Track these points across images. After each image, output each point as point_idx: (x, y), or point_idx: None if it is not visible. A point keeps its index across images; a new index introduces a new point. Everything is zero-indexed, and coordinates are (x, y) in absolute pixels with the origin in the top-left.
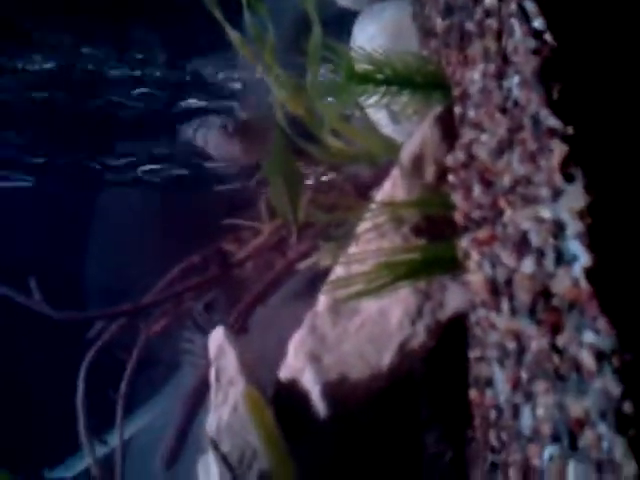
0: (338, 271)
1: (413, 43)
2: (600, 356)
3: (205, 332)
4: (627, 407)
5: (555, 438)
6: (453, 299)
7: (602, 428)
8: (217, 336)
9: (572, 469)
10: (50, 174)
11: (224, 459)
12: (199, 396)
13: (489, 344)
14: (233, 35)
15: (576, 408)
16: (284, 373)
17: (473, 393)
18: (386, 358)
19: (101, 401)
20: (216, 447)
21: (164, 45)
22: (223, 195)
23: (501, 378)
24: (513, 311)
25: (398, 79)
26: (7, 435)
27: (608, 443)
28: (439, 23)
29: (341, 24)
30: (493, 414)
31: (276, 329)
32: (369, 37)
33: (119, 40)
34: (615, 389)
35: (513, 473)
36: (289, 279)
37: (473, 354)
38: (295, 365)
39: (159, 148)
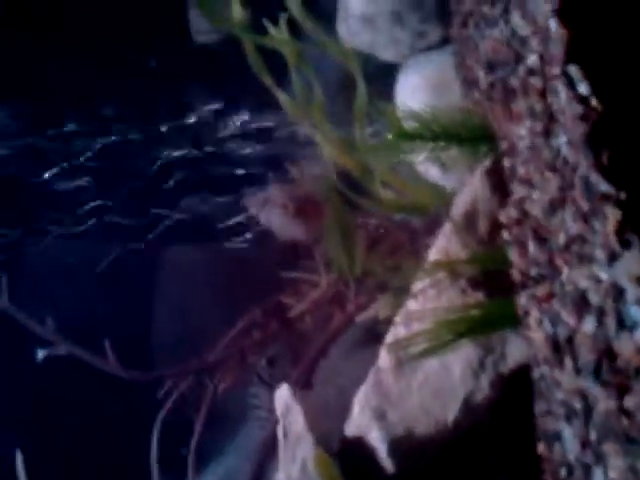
0: (398, 329)
1: (456, 94)
2: None
3: (270, 386)
4: None
5: None
6: (514, 351)
7: None
8: (283, 393)
9: None
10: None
11: None
12: (267, 453)
13: (555, 400)
14: (281, 96)
15: None
16: (350, 429)
17: (541, 447)
18: (451, 413)
19: (173, 459)
20: None
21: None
22: (281, 250)
23: (570, 436)
24: (577, 370)
25: (444, 134)
26: None
27: None
28: (482, 77)
29: (384, 77)
30: (563, 472)
31: (339, 382)
32: (412, 90)
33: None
34: None
35: None
36: (349, 331)
37: (539, 408)
38: (361, 422)
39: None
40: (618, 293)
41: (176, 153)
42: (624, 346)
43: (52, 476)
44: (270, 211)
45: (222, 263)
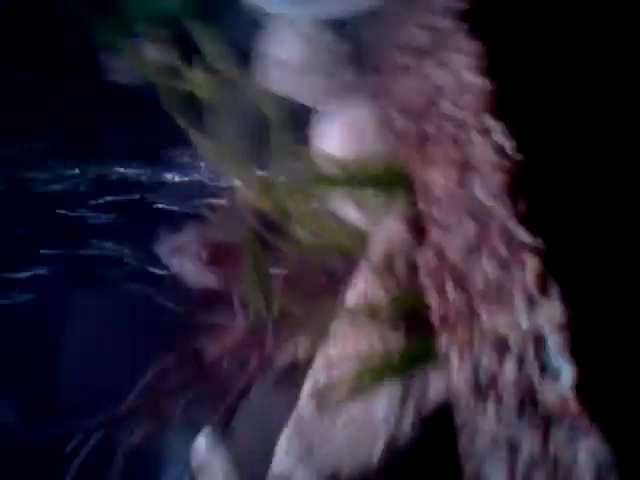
0: (319, 374)
1: (372, 138)
2: (598, 470)
3: (189, 438)
4: None
5: None
6: (436, 390)
7: None
8: (202, 441)
9: None
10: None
11: None
12: None
13: (480, 445)
14: (197, 138)
15: None
16: (275, 471)
17: None
18: (376, 452)
19: None
20: None
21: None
22: (198, 295)
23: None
24: (500, 416)
25: (362, 179)
26: None
27: None
28: (399, 123)
29: (302, 120)
30: None
31: (261, 425)
32: (329, 133)
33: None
34: None
35: None
36: (268, 373)
37: (463, 451)
38: (286, 464)
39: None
40: (539, 340)
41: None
42: (548, 394)
43: None
44: (182, 259)
45: (132, 310)
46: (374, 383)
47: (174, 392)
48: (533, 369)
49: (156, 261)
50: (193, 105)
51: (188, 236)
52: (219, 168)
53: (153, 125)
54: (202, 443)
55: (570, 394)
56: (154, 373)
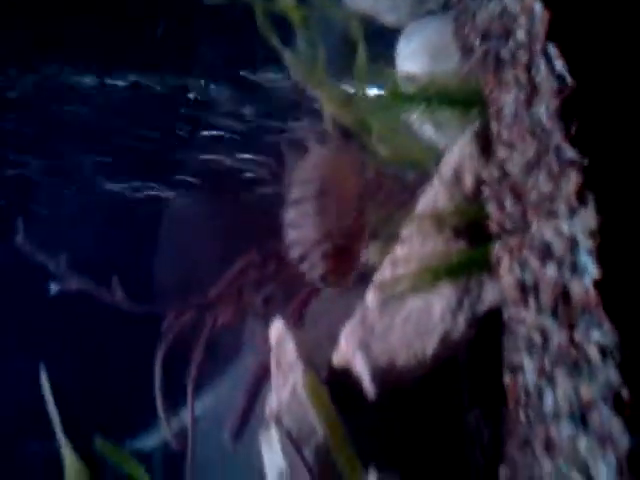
0: (385, 272)
1: (453, 60)
2: (604, 352)
3: (265, 323)
4: (624, 393)
5: (571, 417)
6: (489, 294)
7: (604, 410)
8: (277, 326)
9: (582, 443)
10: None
11: (288, 433)
12: (261, 379)
13: (519, 336)
14: (287, 55)
15: (586, 392)
16: (337, 359)
17: (507, 378)
18: (430, 348)
19: (173, 388)
20: (279, 422)
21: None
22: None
23: (529, 366)
24: (539, 309)
25: (439, 98)
26: (98, 413)
27: (608, 421)
28: (477, 45)
29: (385, 40)
30: (522, 396)
31: (329, 320)
32: (412, 53)
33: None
34: (615, 378)
35: (538, 445)
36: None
37: (507, 344)
38: (347, 352)
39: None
40: (574, 244)
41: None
42: (575, 289)
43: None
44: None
45: (233, 208)
46: (434, 282)
47: (256, 286)
48: (567, 270)
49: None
50: (284, 25)
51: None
52: (306, 85)
53: (246, 43)
54: (275, 329)
55: (592, 289)
56: (240, 267)
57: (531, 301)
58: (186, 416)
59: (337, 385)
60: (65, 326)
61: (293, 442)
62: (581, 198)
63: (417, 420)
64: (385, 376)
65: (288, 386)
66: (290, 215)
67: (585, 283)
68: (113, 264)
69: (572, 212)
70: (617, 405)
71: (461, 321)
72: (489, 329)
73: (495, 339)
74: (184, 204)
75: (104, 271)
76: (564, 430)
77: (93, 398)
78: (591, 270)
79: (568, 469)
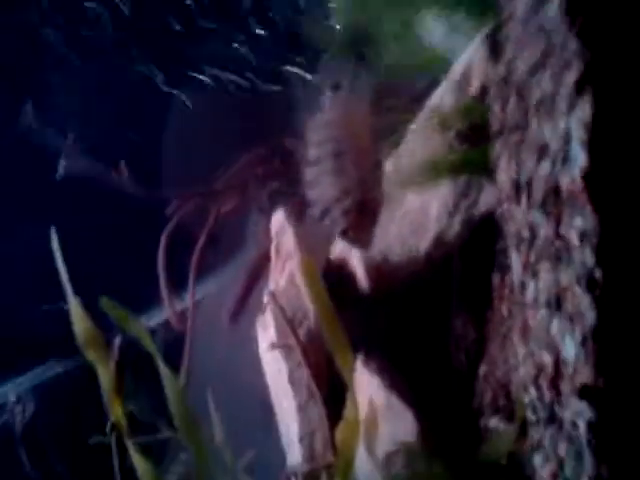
0: (389, 166)
1: None
2: (583, 235)
3: (268, 217)
4: (597, 273)
5: (548, 303)
6: (487, 198)
7: (577, 290)
8: (279, 217)
9: (555, 324)
10: None
11: (282, 310)
12: (261, 267)
13: (510, 234)
14: None
15: (564, 279)
16: (334, 251)
17: (495, 278)
18: (423, 246)
19: (178, 268)
20: (275, 300)
21: None
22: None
23: (517, 261)
24: (529, 206)
25: (453, 1)
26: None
27: (580, 301)
28: None
29: None
30: (507, 291)
31: None
32: None
33: None
34: (590, 260)
35: (515, 334)
36: None
37: (499, 246)
38: (344, 245)
39: None
40: (568, 138)
41: None
42: (564, 179)
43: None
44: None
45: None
46: (433, 177)
47: (261, 180)
48: (560, 164)
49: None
50: None
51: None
52: None
53: None
54: (277, 220)
55: (578, 176)
56: (247, 161)
57: (523, 198)
58: (188, 298)
59: (333, 277)
60: (73, 206)
61: (288, 321)
62: (580, 90)
63: (406, 317)
64: (379, 270)
65: (285, 273)
66: (309, 175)
67: (574, 173)
68: (121, 147)
69: (571, 107)
70: (590, 285)
71: (456, 222)
72: (483, 234)
73: (488, 245)
74: (199, 96)
75: (112, 154)
76: (540, 316)
77: (98, 277)
78: (580, 160)
79: (539, 349)
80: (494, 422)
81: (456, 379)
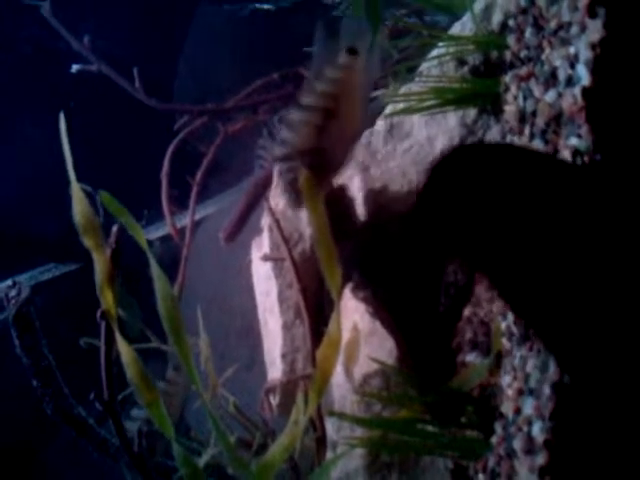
0: (400, 91)
1: None
2: (576, 154)
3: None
4: None
5: None
6: (492, 137)
7: None
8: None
9: None
10: None
11: (278, 225)
12: (261, 189)
13: None
14: None
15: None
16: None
17: None
18: (424, 179)
19: (180, 184)
20: (272, 215)
21: None
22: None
23: None
24: (532, 135)
25: None
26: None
27: None
28: None
29: None
30: None
31: None
32: None
33: None
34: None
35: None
36: None
37: None
38: (346, 171)
39: None
40: (576, 59)
41: None
42: (566, 100)
43: None
44: None
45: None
46: (440, 104)
47: (272, 105)
48: (564, 87)
49: None
50: None
51: None
52: None
53: None
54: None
55: (579, 96)
56: (258, 85)
57: (527, 129)
58: (187, 216)
59: (331, 202)
60: (83, 110)
61: (282, 236)
62: (592, 13)
63: (399, 251)
64: (377, 199)
65: (286, 194)
66: (292, 116)
67: (575, 93)
68: (137, 56)
69: (582, 29)
70: None
71: None
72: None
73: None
74: (221, 15)
75: (127, 61)
76: None
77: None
78: (584, 80)
79: None
80: (471, 357)
81: (440, 319)
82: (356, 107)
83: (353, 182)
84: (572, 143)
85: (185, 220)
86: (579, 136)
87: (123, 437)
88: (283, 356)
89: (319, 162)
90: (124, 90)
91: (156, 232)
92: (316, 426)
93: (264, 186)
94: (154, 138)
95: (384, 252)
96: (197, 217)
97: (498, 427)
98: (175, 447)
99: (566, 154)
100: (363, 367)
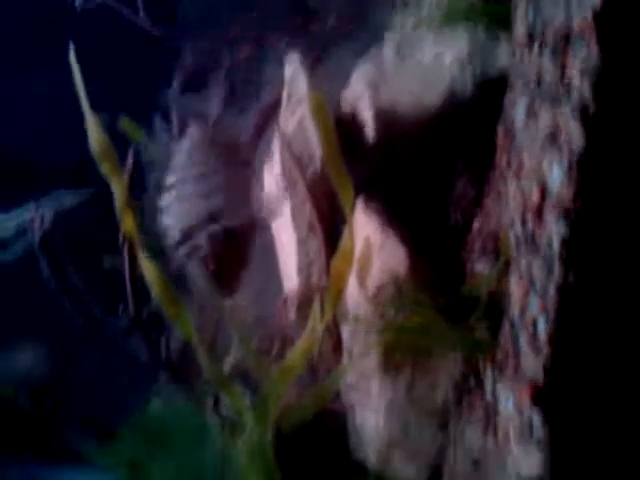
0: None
1: None
2: (584, 72)
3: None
4: (591, 106)
5: (543, 141)
6: (501, 58)
7: (572, 122)
8: (292, 59)
9: (547, 158)
10: None
11: (289, 148)
12: (272, 109)
13: (517, 83)
14: None
15: (562, 115)
16: (345, 95)
17: (500, 129)
18: (434, 97)
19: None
20: (283, 137)
21: None
22: None
23: (521, 106)
24: (541, 53)
25: None
26: None
27: (573, 128)
28: None
29: None
30: (509, 141)
31: (344, 70)
32: None
33: None
34: (587, 93)
35: (510, 177)
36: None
37: (507, 99)
38: (356, 90)
39: None
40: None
41: None
42: (576, 20)
43: None
44: None
45: None
46: (453, 21)
47: (279, 33)
48: (575, 7)
49: None
50: None
51: None
52: None
53: None
54: (291, 62)
55: (591, 16)
56: (269, 12)
57: (536, 46)
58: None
59: (341, 123)
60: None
61: (294, 157)
62: None
63: (410, 169)
64: (387, 117)
65: (295, 118)
66: (165, 200)
67: (586, 13)
68: None
69: None
70: (583, 116)
71: (468, 77)
72: (494, 93)
73: (498, 104)
74: None
75: None
76: (534, 154)
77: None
78: (595, 1)
79: (529, 184)
80: (480, 266)
81: (450, 232)
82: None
83: (362, 102)
84: (581, 62)
85: None
86: (587, 55)
87: (150, 346)
88: (299, 270)
89: (223, 227)
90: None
91: None
92: (332, 333)
93: (273, 109)
94: (159, 66)
95: (394, 170)
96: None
97: (505, 326)
98: (200, 353)
99: (575, 74)
100: (376, 278)
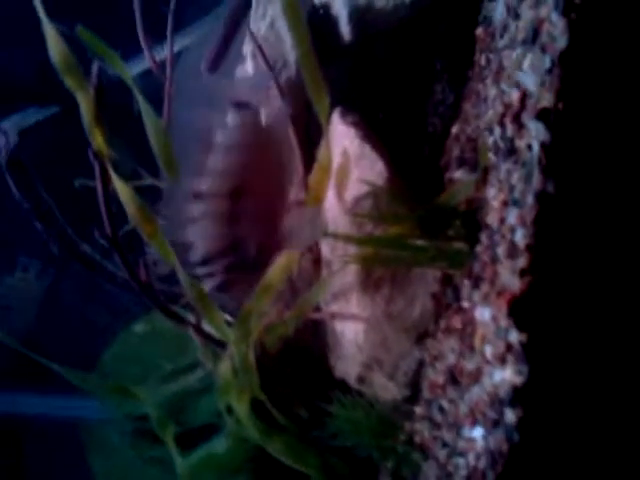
0: None
1: None
2: None
3: None
4: None
5: (524, 40)
6: None
7: (554, 17)
8: None
9: (528, 58)
10: None
11: (261, 51)
12: (241, 11)
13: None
14: None
15: (544, 10)
16: None
17: (479, 30)
18: None
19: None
20: (255, 40)
21: None
22: None
23: (501, 4)
24: None
25: None
26: None
27: (556, 24)
28: None
29: None
30: (488, 40)
31: None
32: None
33: None
34: None
35: (489, 79)
36: None
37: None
38: None
39: None
40: None
41: None
42: None
43: None
44: None
45: None
46: None
47: None
48: None
49: None
50: None
51: None
52: None
53: None
54: None
55: None
56: None
57: None
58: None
59: (314, 27)
60: None
61: (267, 61)
62: None
63: (387, 71)
64: (362, 17)
65: (266, 20)
66: (194, 210)
67: None
68: None
69: None
70: (566, 10)
71: None
72: None
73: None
74: None
75: None
76: (515, 54)
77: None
78: None
79: (509, 87)
80: (459, 174)
81: (429, 140)
82: (272, 168)
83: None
84: None
85: (163, 53)
86: None
87: (129, 267)
88: None
89: (241, 258)
90: None
91: (135, 68)
92: (311, 247)
93: (242, 6)
94: None
95: (370, 74)
96: (176, 49)
97: (483, 236)
98: (180, 272)
99: None
100: (354, 190)
